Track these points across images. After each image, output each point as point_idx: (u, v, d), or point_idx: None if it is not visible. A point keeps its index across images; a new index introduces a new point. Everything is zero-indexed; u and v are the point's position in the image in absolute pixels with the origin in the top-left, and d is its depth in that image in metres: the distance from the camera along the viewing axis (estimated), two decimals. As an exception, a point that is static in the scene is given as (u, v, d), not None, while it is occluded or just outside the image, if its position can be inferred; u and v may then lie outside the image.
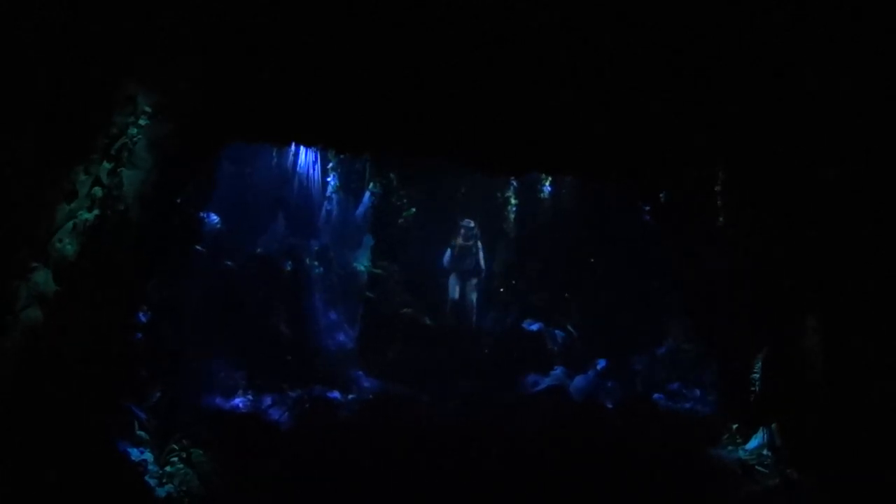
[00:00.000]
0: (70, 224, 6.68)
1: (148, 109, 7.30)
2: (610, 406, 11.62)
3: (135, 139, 7.26)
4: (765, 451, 9.17)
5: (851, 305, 7.85)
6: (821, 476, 7.94)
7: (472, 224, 14.52)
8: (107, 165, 7.00)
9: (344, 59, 8.25)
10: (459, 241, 14.42)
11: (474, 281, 14.46)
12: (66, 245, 6.67)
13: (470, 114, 9.04)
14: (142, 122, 7.24)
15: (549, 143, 9.79)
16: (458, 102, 8.86)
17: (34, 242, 6.34)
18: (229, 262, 12.44)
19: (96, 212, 6.99)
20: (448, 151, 10.45)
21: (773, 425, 9.13)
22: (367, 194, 14.45)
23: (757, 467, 9.05)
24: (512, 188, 15.00)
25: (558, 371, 13.05)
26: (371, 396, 11.47)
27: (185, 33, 7.41)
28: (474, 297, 14.44)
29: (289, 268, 12.96)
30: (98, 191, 6.97)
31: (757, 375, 9.39)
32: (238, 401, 10.52)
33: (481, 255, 14.50)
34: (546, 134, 9.50)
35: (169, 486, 8.08)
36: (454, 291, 14.39)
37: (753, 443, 9.45)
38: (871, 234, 7.59)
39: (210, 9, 7.42)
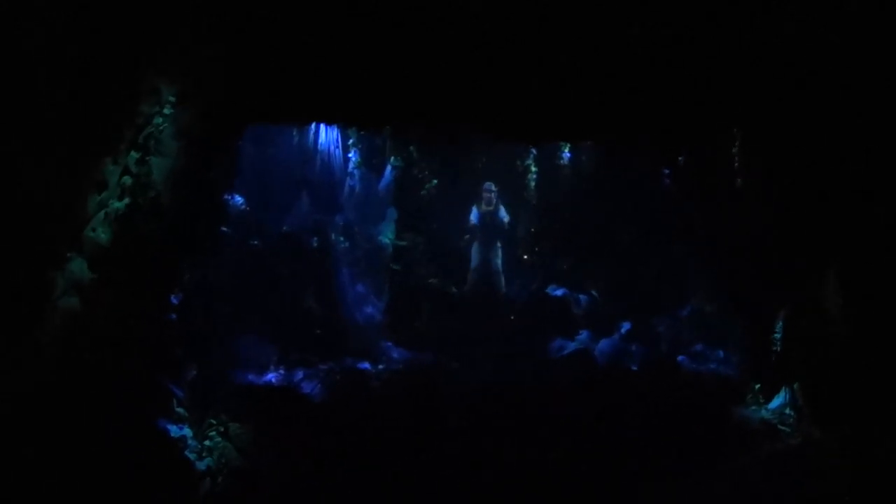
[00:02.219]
0: (102, 213, 6.93)
1: (172, 98, 7.48)
2: (635, 368, 11.74)
3: (161, 128, 7.45)
4: (787, 411, 9.26)
5: (872, 264, 7.88)
6: (842, 435, 8.03)
7: (494, 187, 14.42)
8: (135, 155, 7.24)
9: (361, 34, 8.32)
10: (483, 207, 14.39)
11: (498, 248, 14.46)
12: (100, 234, 6.92)
13: (490, 82, 9.09)
14: (167, 111, 7.43)
15: (569, 111, 9.82)
16: (479, 71, 8.91)
17: (68, 233, 6.58)
18: (256, 242, 12.59)
19: (127, 200, 7.23)
20: (469, 121, 10.50)
21: (796, 385, 9.23)
22: (389, 168, 14.50)
23: (779, 426, 9.15)
24: (532, 156, 14.97)
25: (584, 335, 13.12)
26: (401, 366, 11.63)
27: (205, 21, 7.54)
28: (499, 264, 14.46)
29: (315, 244, 13.09)
30: (128, 180, 7.21)
31: (778, 335, 9.48)
32: (271, 375, 10.72)
33: (505, 221, 14.49)
34: (566, 101, 9.53)
35: (208, 460, 8.38)
36: (479, 259, 14.41)
37: (776, 402, 9.53)
38: (892, 192, 7.60)
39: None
